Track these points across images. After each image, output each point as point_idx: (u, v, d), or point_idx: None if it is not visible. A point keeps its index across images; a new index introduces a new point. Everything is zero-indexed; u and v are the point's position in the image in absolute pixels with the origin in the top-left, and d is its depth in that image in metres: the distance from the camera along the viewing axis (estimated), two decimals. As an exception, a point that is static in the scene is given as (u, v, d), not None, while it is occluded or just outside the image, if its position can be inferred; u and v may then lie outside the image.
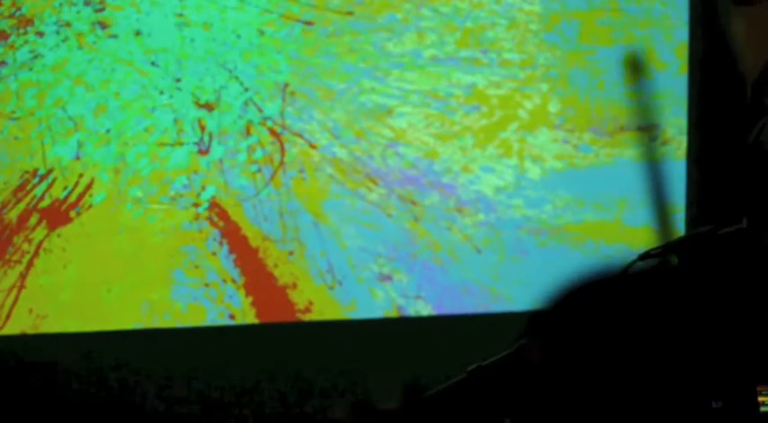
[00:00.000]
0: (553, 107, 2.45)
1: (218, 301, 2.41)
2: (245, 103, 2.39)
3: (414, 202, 2.43)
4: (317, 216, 2.41)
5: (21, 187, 2.36)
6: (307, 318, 2.42)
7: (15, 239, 2.37)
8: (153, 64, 2.37)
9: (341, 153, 2.41)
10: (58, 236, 2.37)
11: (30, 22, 2.34)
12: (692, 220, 2.47)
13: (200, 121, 2.39)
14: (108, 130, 2.37)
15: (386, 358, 2.39)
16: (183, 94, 2.38)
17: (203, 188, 2.39)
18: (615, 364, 0.81)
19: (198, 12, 2.37)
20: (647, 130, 2.47)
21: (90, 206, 2.38)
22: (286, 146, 2.40)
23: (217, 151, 2.39)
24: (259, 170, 2.40)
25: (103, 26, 2.36)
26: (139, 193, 2.38)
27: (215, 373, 2.42)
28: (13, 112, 2.35)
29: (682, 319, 0.84)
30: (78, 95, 2.36)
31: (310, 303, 2.42)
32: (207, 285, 2.40)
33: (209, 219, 2.40)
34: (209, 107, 2.38)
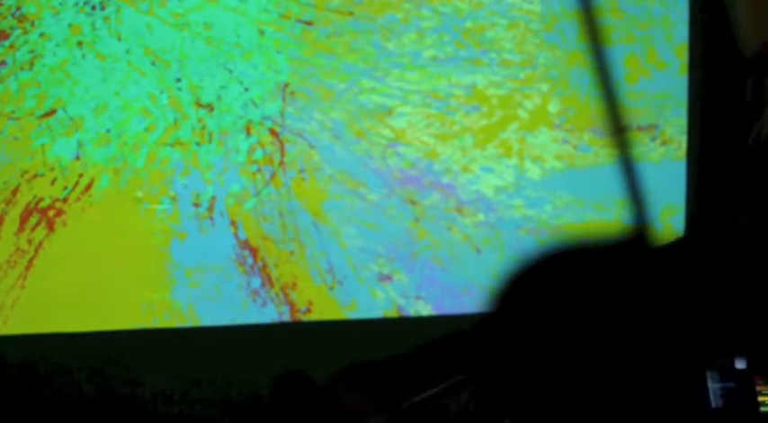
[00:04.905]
0: (553, 107, 2.45)
1: (219, 301, 2.41)
2: (245, 104, 2.39)
3: (414, 202, 2.43)
4: (317, 216, 2.41)
5: (21, 187, 2.37)
6: (307, 318, 2.42)
7: (15, 239, 2.38)
8: (153, 64, 2.37)
9: (341, 153, 2.41)
10: (58, 236, 2.37)
11: (30, 22, 2.34)
12: (692, 220, 2.47)
13: (200, 121, 2.39)
14: (108, 130, 2.37)
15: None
16: (183, 94, 2.38)
17: (203, 188, 2.40)
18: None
19: (198, 12, 2.38)
20: (647, 130, 2.47)
21: (90, 206, 2.38)
22: (286, 146, 2.40)
23: (217, 151, 2.39)
24: (259, 170, 2.40)
25: (104, 26, 2.36)
26: (139, 193, 2.38)
27: (214, 373, 2.42)
28: (13, 111, 2.35)
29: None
30: (78, 95, 2.36)
31: (310, 303, 2.42)
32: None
33: (210, 218, 2.40)
34: (209, 107, 2.39)
